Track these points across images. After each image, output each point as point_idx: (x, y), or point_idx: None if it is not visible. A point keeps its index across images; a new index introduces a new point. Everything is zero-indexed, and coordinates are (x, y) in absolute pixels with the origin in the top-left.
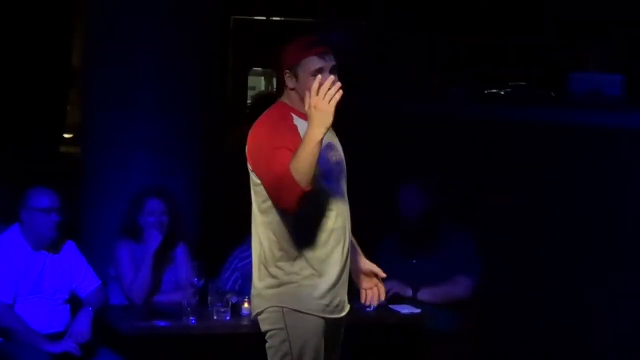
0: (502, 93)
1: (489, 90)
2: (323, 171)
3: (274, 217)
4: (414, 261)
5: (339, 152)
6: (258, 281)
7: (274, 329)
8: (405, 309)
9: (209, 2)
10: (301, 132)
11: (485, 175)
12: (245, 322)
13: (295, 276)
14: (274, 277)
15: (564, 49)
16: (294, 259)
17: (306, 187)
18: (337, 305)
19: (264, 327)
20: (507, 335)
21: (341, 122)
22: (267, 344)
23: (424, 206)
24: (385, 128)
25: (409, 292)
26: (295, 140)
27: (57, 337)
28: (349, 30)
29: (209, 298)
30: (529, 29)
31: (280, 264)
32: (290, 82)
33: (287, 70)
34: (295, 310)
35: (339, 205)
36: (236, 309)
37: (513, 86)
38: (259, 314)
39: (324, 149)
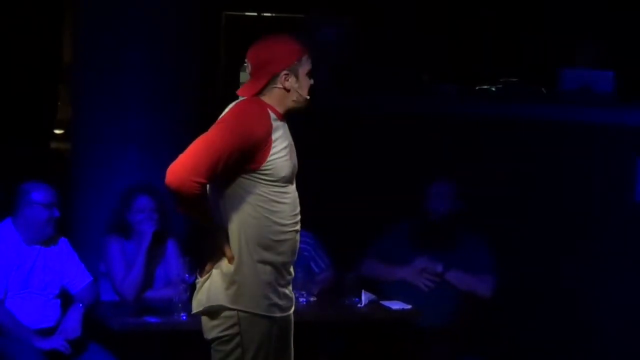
0: (494, 89)
1: (480, 87)
2: (292, 173)
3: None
4: (430, 254)
5: (295, 153)
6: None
7: None
8: (396, 305)
9: None
10: (275, 134)
11: (475, 172)
12: None
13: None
14: None
15: (555, 46)
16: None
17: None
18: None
19: None
20: (499, 332)
21: (331, 120)
22: None
23: (451, 206)
24: (375, 126)
25: (439, 268)
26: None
27: (47, 332)
28: (339, 27)
29: None
30: (520, 26)
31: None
32: (287, 82)
33: (287, 70)
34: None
35: (297, 205)
36: None
37: (504, 83)
38: None
39: (289, 150)
